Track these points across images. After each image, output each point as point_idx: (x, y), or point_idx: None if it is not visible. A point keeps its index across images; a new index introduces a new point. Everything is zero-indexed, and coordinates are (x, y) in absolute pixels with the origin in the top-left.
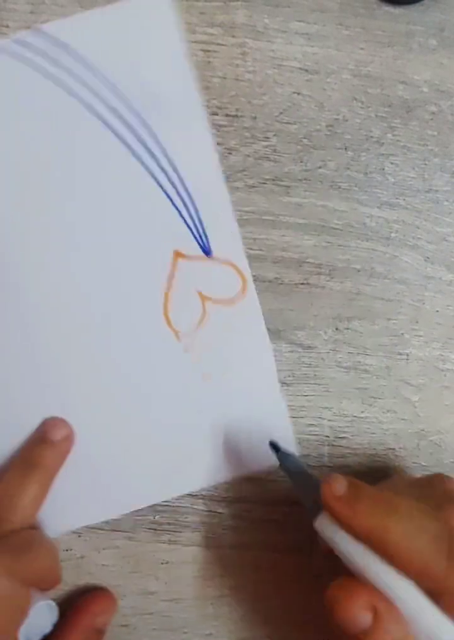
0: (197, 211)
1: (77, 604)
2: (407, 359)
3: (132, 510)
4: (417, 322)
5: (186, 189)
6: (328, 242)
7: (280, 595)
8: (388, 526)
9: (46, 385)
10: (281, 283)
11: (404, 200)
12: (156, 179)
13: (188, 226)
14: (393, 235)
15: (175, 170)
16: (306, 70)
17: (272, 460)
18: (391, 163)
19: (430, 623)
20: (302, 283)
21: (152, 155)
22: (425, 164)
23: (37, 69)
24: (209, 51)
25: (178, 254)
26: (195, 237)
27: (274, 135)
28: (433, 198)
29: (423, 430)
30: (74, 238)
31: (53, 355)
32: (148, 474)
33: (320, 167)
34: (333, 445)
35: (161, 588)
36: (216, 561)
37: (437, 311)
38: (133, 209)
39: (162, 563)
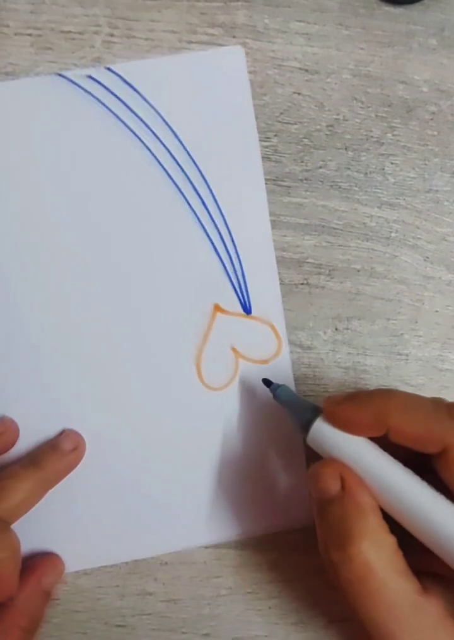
0: (242, 268)
1: (22, 567)
2: (407, 359)
3: (147, 556)
4: (416, 322)
5: (234, 245)
6: (328, 242)
7: (278, 595)
8: (387, 405)
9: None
10: (281, 283)
11: (404, 199)
12: (205, 229)
13: (231, 281)
14: (393, 235)
15: (226, 224)
16: (306, 70)
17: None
18: (391, 163)
19: (431, 503)
20: (302, 283)
21: (205, 206)
22: (425, 164)
23: (102, 105)
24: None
25: (217, 308)
26: (237, 294)
27: (275, 135)
28: (433, 198)
29: None
30: (116, 275)
31: (81, 398)
32: (172, 524)
33: (320, 167)
34: None
35: (159, 588)
36: (214, 562)
37: (437, 311)
38: (179, 255)
39: (161, 564)
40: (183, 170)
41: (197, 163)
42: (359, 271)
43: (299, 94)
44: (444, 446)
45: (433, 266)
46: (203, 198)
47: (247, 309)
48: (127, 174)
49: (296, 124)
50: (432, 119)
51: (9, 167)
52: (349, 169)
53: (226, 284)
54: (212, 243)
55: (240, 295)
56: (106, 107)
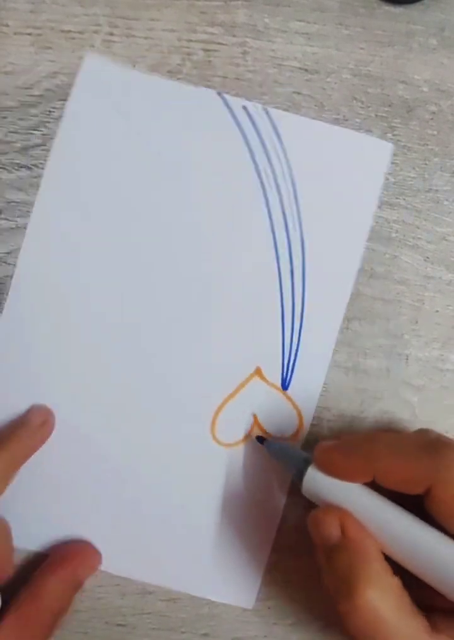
0: (298, 345)
1: (60, 551)
2: (407, 360)
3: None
4: (416, 322)
5: (301, 321)
6: None
7: (277, 596)
8: (372, 451)
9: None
10: None
11: (404, 199)
12: (282, 293)
13: (283, 353)
14: (393, 235)
15: (302, 298)
16: (306, 70)
17: None
18: (392, 163)
19: (428, 541)
20: None
21: (291, 273)
22: (425, 164)
23: (242, 133)
24: (209, 50)
25: (258, 372)
26: (283, 367)
27: None
28: (433, 198)
29: None
30: (182, 295)
31: (90, 401)
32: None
33: None
34: None
35: (159, 588)
36: None
37: (437, 311)
38: (248, 306)
39: None
40: (286, 228)
41: (302, 228)
42: (359, 271)
43: (299, 93)
44: (427, 486)
45: (433, 266)
46: (294, 264)
47: (285, 385)
48: (233, 205)
49: None
50: (432, 119)
51: (137, 156)
52: None
53: (277, 353)
54: (282, 308)
55: (285, 369)
56: (244, 136)
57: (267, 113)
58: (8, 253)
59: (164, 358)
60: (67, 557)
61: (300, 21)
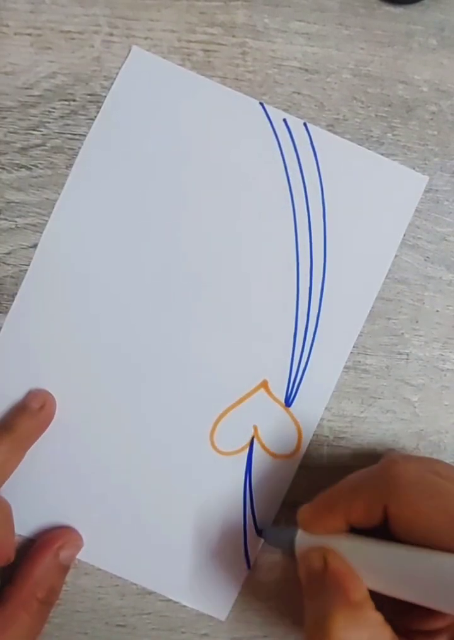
0: (306, 365)
1: (40, 539)
2: (407, 359)
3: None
4: (417, 321)
5: (312, 341)
6: None
7: (276, 595)
8: (339, 502)
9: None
10: None
11: None
12: (297, 309)
13: (290, 369)
14: None
15: (317, 319)
16: (306, 70)
17: None
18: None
19: (406, 557)
20: None
21: (310, 291)
22: (425, 164)
23: (279, 147)
24: (209, 50)
25: (264, 385)
26: (288, 383)
27: None
28: (433, 198)
29: (422, 430)
30: (195, 296)
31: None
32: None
33: None
34: (332, 445)
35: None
36: None
37: (437, 311)
38: (262, 317)
39: None
40: (310, 246)
41: (327, 249)
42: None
43: (299, 93)
44: (383, 513)
45: (433, 265)
46: (313, 284)
47: (288, 402)
48: (260, 214)
49: None
50: (432, 119)
51: (170, 153)
52: None
53: (285, 369)
54: (296, 326)
55: (290, 386)
56: (280, 149)
57: (307, 128)
58: (8, 253)
59: (173, 361)
60: (49, 542)
61: (300, 21)
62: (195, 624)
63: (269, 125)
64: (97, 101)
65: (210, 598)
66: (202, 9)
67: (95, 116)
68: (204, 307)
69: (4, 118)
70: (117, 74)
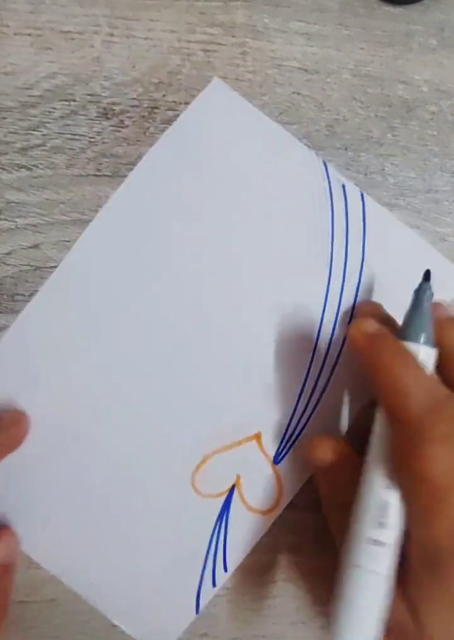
0: (304, 427)
1: None
2: None
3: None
4: None
5: (315, 406)
6: None
7: (276, 595)
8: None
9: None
10: None
11: (404, 200)
12: (308, 371)
13: (286, 430)
14: None
15: (325, 385)
16: (306, 70)
17: None
18: (391, 163)
19: None
20: None
21: (325, 356)
22: (425, 164)
23: (331, 210)
24: (209, 51)
25: (257, 438)
26: (281, 443)
27: None
28: (433, 198)
29: None
30: (205, 330)
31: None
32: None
33: None
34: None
35: None
36: None
37: None
38: (272, 371)
39: None
40: (337, 313)
41: (352, 322)
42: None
43: (298, 94)
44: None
45: None
46: (330, 353)
47: (277, 459)
48: (296, 271)
49: (295, 124)
50: (432, 119)
51: (224, 189)
52: (348, 169)
53: (282, 428)
54: (303, 385)
55: (282, 444)
56: (332, 211)
57: (362, 199)
58: (8, 253)
59: (175, 394)
60: None
61: (300, 21)
62: (194, 624)
63: (327, 184)
64: (97, 101)
65: (151, 632)
66: (202, 9)
67: (95, 116)
68: (219, 352)
69: (4, 118)
70: (190, 101)
